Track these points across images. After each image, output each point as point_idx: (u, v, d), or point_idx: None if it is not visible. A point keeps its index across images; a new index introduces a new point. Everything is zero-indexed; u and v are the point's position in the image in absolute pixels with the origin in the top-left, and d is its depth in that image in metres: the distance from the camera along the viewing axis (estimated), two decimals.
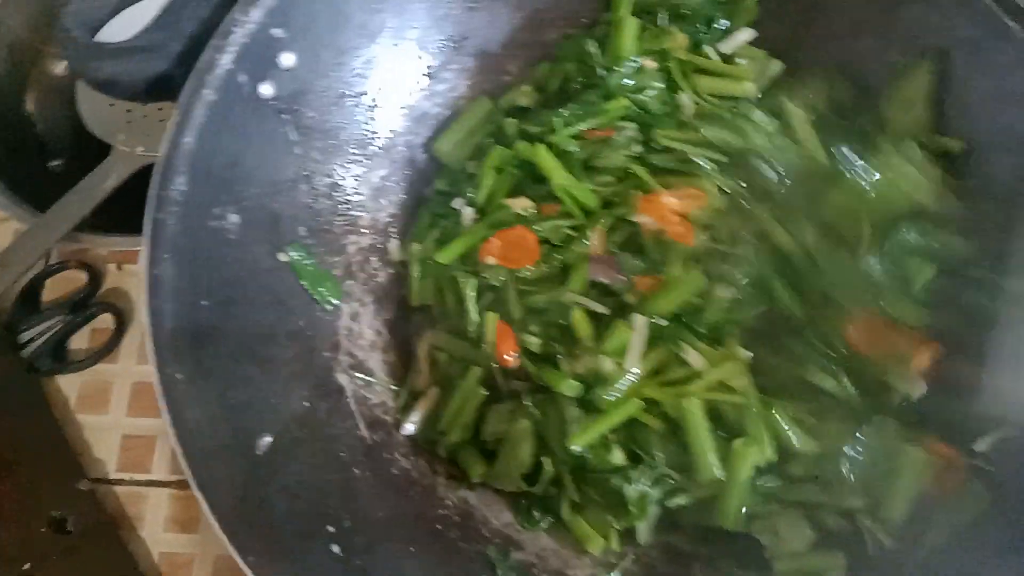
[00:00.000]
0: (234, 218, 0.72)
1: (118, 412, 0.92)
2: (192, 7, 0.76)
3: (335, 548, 0.66)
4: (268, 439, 0.69)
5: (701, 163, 0.81)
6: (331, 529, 0.67)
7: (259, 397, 0.70)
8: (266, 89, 0.75)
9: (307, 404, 0.74)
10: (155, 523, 0.88)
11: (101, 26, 0.79)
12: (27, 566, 0.84)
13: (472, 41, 0.91)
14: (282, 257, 0.77)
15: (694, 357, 0.74)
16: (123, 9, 0.80)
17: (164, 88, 0.76)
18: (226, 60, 0.70)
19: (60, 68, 1.12)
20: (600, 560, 0.77)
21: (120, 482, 0.89)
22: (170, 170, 0.67)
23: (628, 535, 0.78)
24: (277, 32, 0.73)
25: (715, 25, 0.88)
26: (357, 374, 0.81)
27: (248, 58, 0.71)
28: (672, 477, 0.74)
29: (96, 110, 0.96)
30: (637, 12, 0.87)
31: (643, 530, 0.77)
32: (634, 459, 0.75)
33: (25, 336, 0.94)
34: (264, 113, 0.75)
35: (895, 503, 0.71)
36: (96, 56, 0.75)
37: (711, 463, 0.71)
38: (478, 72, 0.93)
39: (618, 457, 0.75)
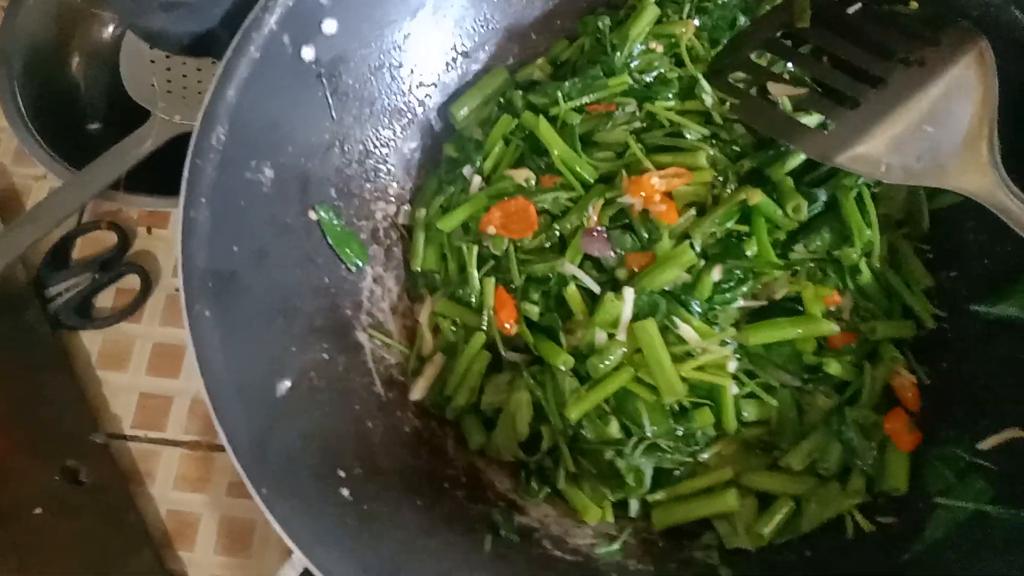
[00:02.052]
0: (268, 173, 0.74)
1: (138, 371, 0.94)
2: None
3: (345, 492, 0.67)
4: (287, 384, 0.70)
5: (692, 136, 0.83)
6: (342, 474, 0.68)
7: (281, 343, 0.72)
8: (308, 52, 0.77)
9: (326, 356, 0.76)
10: (165, 481, 0.89)
11: None
12: (38, 510, 0.85)
13: (508, 23, 0.94)
14: (312, 215, 0.79)
15: (687, 331, 0.76)
16: None
17: (210, 44, 0.79)
18: (271, 21, 0.72)
19: (106, 33, 1.14)
20: (600, 531, 0.78)
21: (135, 438, 0.91)
22: (211, 120, 0.69)
23: (623, 511, 0.79)
24: None
25: (738, 24, 0.91)
26: (376, 334, 0.83)
27: (293, 21, 0.74)
28: (662, 446, 0.75)
29: (138, 76, 0.99)
30: (663, 1, 0.90)
31: (634, 504, 0.78)
32: (626, 432, 0.77)
33: (52, 291, 0.97)
34: (304, 76, 0.78)
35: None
36: (147, 8, 0.77)
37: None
38: (510, 54, 0.96)
39: (615, 429, 0.76)
